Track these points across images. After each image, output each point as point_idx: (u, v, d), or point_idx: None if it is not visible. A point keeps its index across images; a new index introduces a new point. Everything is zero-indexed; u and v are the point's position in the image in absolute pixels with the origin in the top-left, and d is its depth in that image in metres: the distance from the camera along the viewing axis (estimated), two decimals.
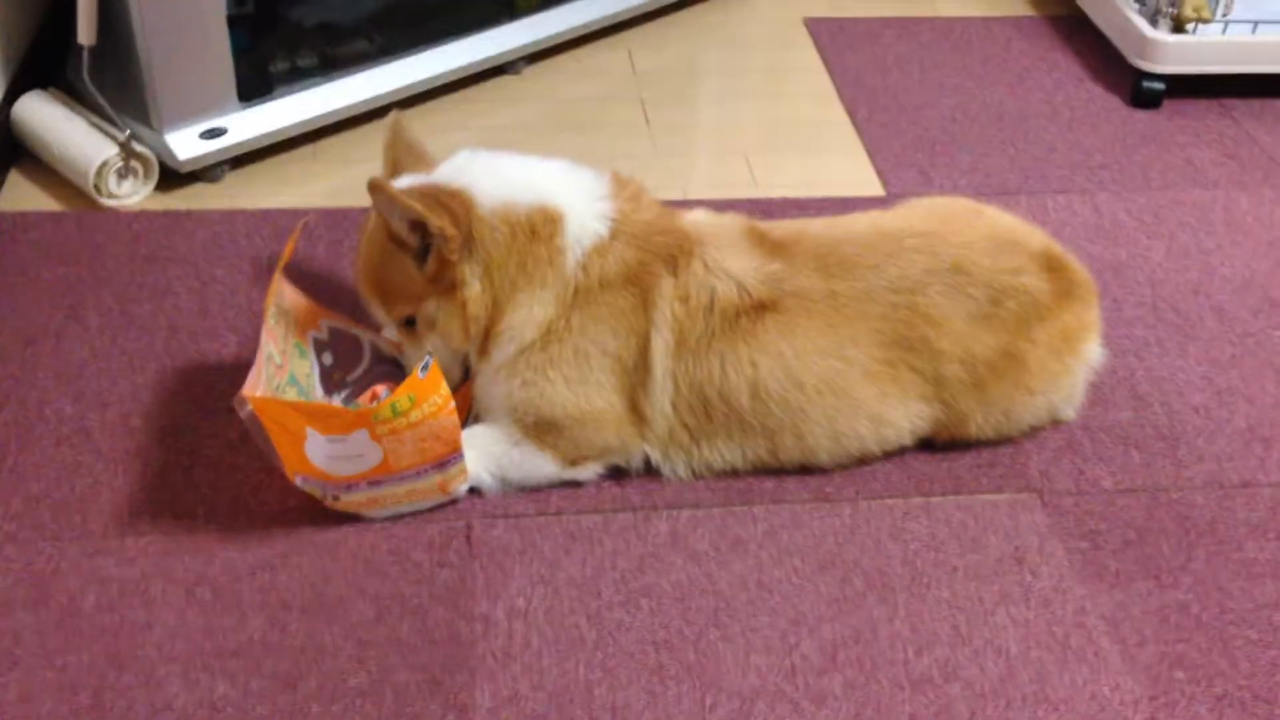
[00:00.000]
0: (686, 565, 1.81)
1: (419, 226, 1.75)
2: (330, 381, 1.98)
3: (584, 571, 1.80)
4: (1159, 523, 1.91)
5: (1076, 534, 1.89)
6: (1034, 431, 2.03)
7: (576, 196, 1.84)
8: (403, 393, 1.68)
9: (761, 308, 1.82)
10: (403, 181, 1.83)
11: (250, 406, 1.69)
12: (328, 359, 1.99)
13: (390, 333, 1.96)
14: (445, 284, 1.79)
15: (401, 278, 1.80)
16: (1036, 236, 1.99)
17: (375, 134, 2.71)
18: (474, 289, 1.78)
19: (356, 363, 2.00)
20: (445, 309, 1.81)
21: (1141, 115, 2.94)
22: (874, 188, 2.65)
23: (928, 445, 2.00)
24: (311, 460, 1.75)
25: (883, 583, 1.80)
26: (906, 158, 2.75)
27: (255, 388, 1.71)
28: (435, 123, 2.79)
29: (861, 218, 2.00)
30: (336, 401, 1.94)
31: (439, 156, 2.64)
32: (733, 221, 1.93)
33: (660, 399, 1.84)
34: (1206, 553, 1.87)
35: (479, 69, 2.90)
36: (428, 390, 1.69)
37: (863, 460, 1.96)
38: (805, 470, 1.95)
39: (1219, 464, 2.02)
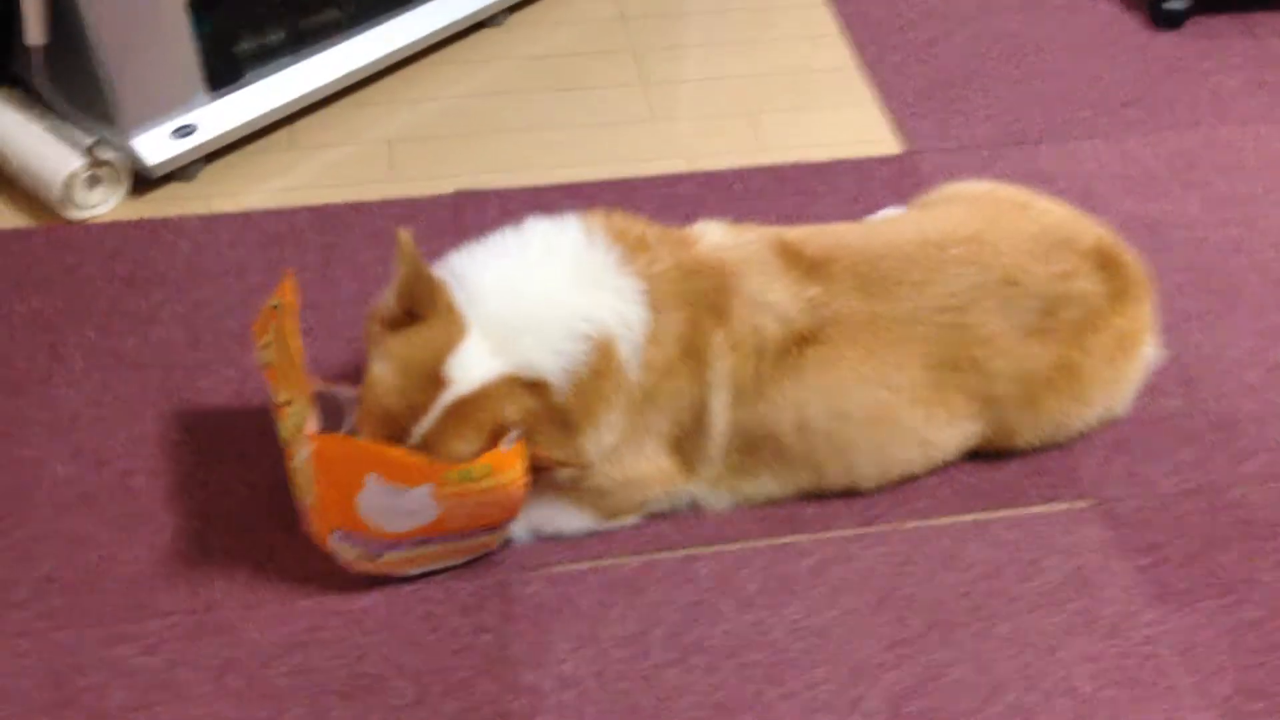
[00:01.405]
0: (736, 613, 1.73)
1: None
2: None
3: (629, 627, 1.72)
4: (1221, 529, 1.84)
5: (1138, 548, 1.82)
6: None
7: (609, 298, 1.66)
8: (482, 459, 1.57)
9: (804, 340, 1.71)
10: (467, 368, 1.59)
11: (312, 447, 1.56)
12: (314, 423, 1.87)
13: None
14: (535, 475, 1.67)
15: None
16: (1087, 229, 1.87)
17: (351, 112, 2.56)
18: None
19: (338, 427, 1.88)
20: None
21: (1163, 38, 2.78)
22: (890, 144, 2.51)
23: (973, 454, 1.91)
24: (361, 513, 1.63)
25: (942, 620, 1.73)
26: (921, 106, 2.59)
27: (315, 424, 1.58)
28: (412, 94, 2.61)
29: (902, 223, 1.86)
30: None
31: (426, 127, 2.42)
32: (760, 240, 1.79)
33: (715, 453, 1.74)
34: (1273, 561, 1.80)
35: (458, 28, 2.70)
36: (505, 464, 1.59)
37: (908, 480, 1.87)
38: (850, 492, 1.86)
39: (1276, 454, 1.94)
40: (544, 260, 1.68)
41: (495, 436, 1.59)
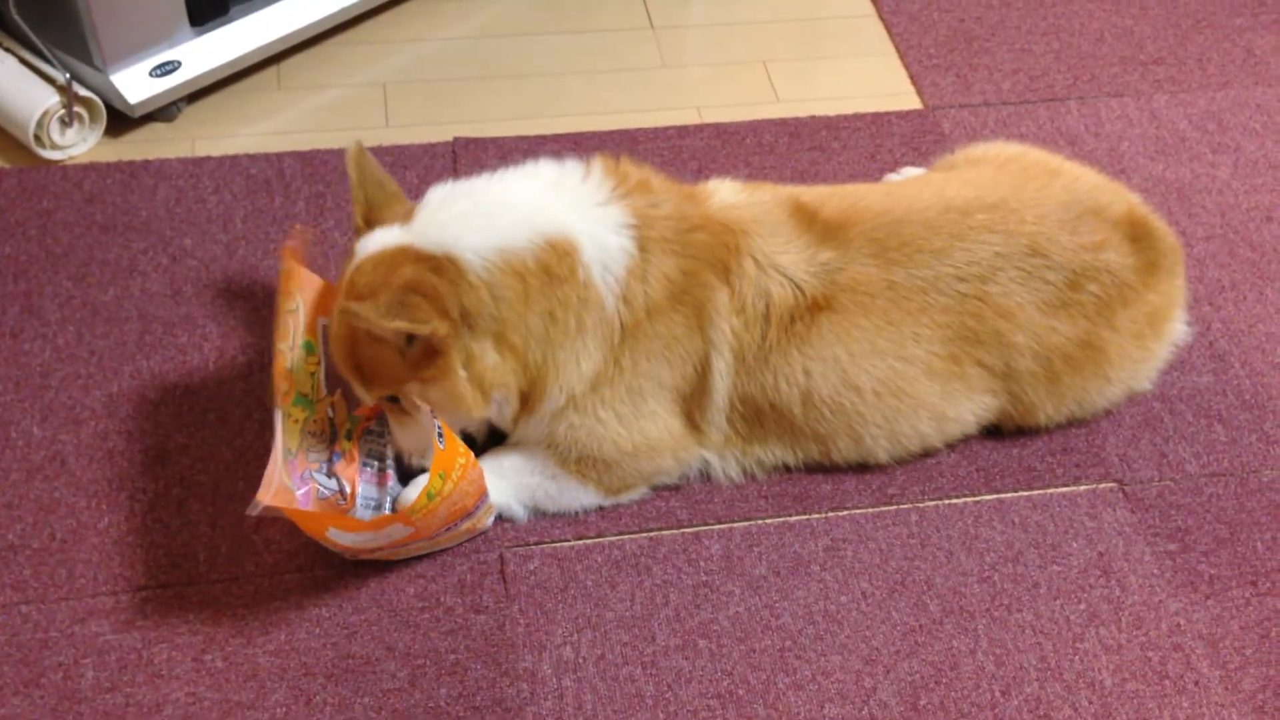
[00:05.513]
0: (745, 595, 1.65)
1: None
2: None
3: (633, 609, 1.63)
4: (1251, 514, 1.76)
5: (1164, 533, 1.73)
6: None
7: (579, 212, 1.57)
8: (434, 474, 1.48)
9: (816, 308, 1.61)
10: (374, 239, 1.56)
11: (262, 508, 1.48)
12: None
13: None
14: (434, 369, 1.53)
15: (383, 364, 1.55)
16: (1119, 198, 1.77)
17: (342, 52, 2.43)
18: (488, 361, 1.53)
19: None
20: (437, 389, 1.55)
21: None
22: (909, 99, 2.39)
23: (994, 431, 1.82)
24: (337, 543, 1.58)
25: (960, 606, 1.65)
26: (942, 58, 2.47)
27: (270, 485, 1.48)
28: (407, 34, 2.48)
29: (925, 185, 1.76)
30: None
31: (422, 70, 2.31)
32: (773, 199, 1.68)
33: (717, 416, 1.64)
34: None
35: None
36: (452, 458, 1.50)
37: (925, 454, 1.78)
38: (865, 467, 1.77)
39: None
40: (522, 178, 1.62)
41: (402, 303, 1.48)
